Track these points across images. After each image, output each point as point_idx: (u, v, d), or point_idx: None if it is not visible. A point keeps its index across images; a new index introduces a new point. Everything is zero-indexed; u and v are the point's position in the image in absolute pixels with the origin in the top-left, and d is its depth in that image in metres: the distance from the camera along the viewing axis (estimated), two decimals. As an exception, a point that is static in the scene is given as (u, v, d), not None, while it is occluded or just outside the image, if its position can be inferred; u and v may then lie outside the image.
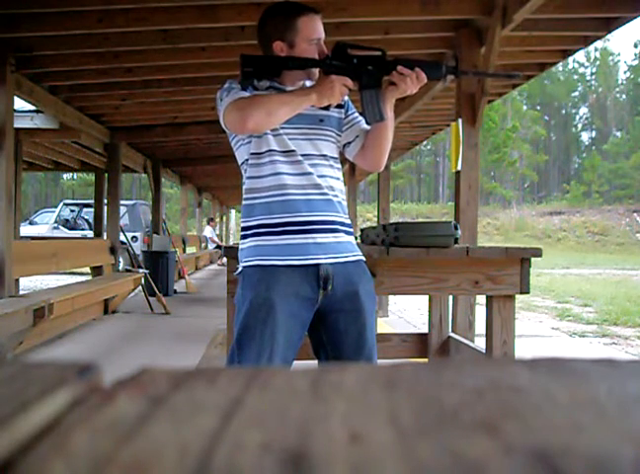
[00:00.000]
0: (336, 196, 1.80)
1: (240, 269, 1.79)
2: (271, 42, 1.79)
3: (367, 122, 1.81)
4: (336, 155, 1.86)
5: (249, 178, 1.79)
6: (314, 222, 1.73)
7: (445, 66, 1.82)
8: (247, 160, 1.80)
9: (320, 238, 1.73)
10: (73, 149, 8.01)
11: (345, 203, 1.85)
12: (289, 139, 1.75)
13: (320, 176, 1.78)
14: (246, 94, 1.73)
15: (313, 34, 1.77)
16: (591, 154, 51.80)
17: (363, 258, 1.85)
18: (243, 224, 1.81)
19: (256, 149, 1.76)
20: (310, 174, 1.76)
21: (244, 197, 1.82)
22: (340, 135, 1.88)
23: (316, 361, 1.87)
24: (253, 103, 1.68)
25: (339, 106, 1.85)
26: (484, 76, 2.12)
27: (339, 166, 1.86)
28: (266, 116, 1.66)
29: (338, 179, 1.84)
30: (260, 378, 0.34)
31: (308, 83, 1.82)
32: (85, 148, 7.66)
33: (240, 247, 1.82)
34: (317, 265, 1.71)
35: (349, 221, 1.85)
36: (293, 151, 1.75)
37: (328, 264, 1.72)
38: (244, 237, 1.80)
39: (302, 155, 1.76)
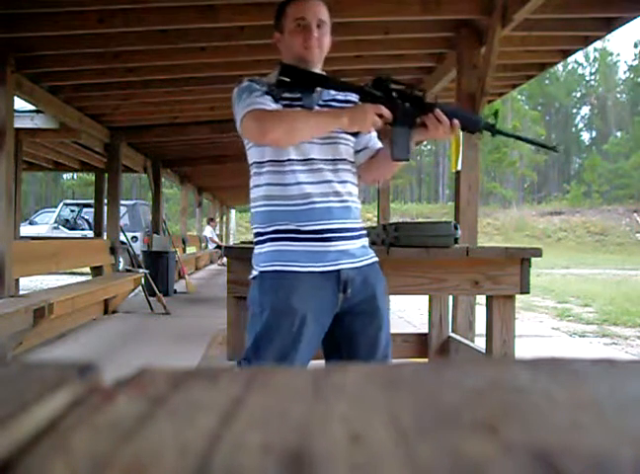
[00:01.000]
0: (354, 202, 1.82)
1: (256, 273, 1.76)
2: (273, 37, 1.82)
3: (393, 158, 1.78)
4: (353, 159, 1.85)
5: (269, 184, 1.75)
6: (335, 230, 1.74)
7: (485, 123, 1.82)
8: (261, 163, 1.76)
9: (341, 245, 1.74)
10: (73, 149, 8.01)
11: (360, 207, 1.87)
12: (309, 143, 1.73)
13: (340, 182, 1.78)
14: (268, 103, 1.69)
15: (297, 13, 1.74)
16: (591, 154, 51.81)
17: (377, 258, 1.86)
18: (259, 229, 1.78)
19: (276, 156, 1.73)
20: (331, 181, 1.76)
21: (260, 202, 1.77)
22: (354, 140, 1.87)
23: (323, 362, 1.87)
24: (275, 117, 1.65)
25: None
26: (521, 140, 2.10)
27: (355, 170, 1.86)
28: (287, 133, 1.65)
29: (355, 183, 1.84)
30: (260, 378, 0.34)
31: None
32: (85, 148, 7.67)
33: (256, 251, 1.78)
34: (338, 270, 1.72)
35: (362, 225, 1.86)
36: (313, 159, 1.74)
37: (348, 268, 1.74)
38: (260, 242, 1.77)
39: (322, 161, 1.75)
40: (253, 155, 1.79)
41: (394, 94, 1.73)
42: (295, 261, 1.70)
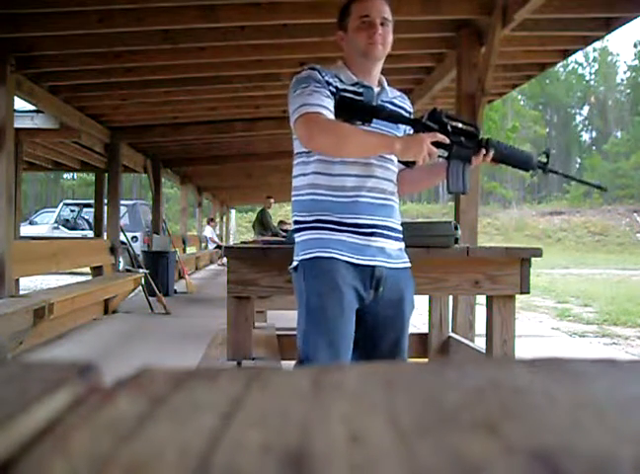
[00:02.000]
0: (396, 201, 1.84)
1: (296, 263, 1.76)
2: (336, 35, 1.82)
3: (449, 191, 1.82)
4: (396, 162, 1.86)
5: (316, 173, 1.74)
6: (378, 226, 1.75)
7: (537, 162, 1.83)
8: (310, 153, 1.75)
9: (379, 242, 1.75)
10: (73, 149, 8.01)
11: (399, 209, 1.88)
12: None
13: (387, 180, 1.79)
14: (325, 103, 1.67)
15: (361, 11, 1.75)
16: (591, 154, 51.80)
17: (410, 264, 1.87)
18: (300, 218, 1.78)
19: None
20: (379, 178, 1.77)
21: (304, 191, 1.77)
22: None
23: None
24: (327, 129, 1.65)
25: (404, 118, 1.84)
26: (571, 179, 2.11)
27: (397, 174, 1.87)
28: (333, 148, 1.66)
29: (396, 185, 1.86)
30: (260, 378, 0.34)
31: (382, 80, 1.83)
32: (85, 148, 7.66)
33: (297, 240, 1.79)
34: (373, 266, 1.73)
35: (400, 227, 1.87)
36: None
37: (383, 267, 1.75)
38: (301, 230, 1.77)
39: (375, 157, 1.76)
40: (302, 145, 1.78)
41: (449, 128, 1.72)
42: (335, 249, 1.70)
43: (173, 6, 3.78)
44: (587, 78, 59.74)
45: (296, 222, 1.80)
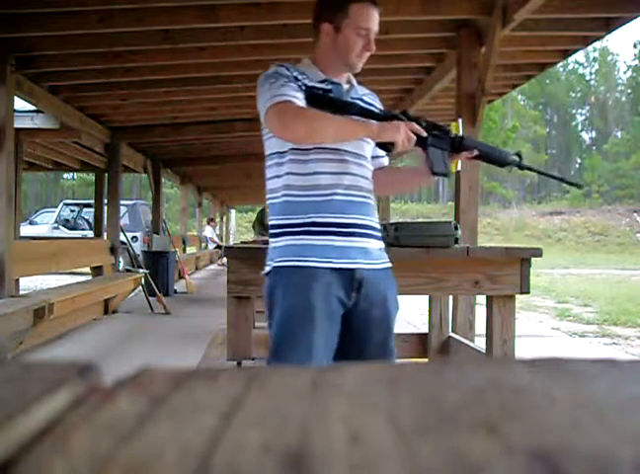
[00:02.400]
0: (373, 200, 1.80)
1: (270, 268, 1.72)
2: (320, 23, 1.74)
3: (434, 172, 1.75)
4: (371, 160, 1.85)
5: (290, 174, 1.70)
6: (356, 226, 1.71)
7: (512, 159, 1.85)
8: (283, 153, 1.71)
9: (359, 242, 1.71)
10: (73, 149, 8.01)
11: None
12: None
13: (363, 177, 1.76)
14: (294, 95, 1.63)
15: (363, 22, 1.69)
16: (591, 154, 51.80)
17: (390, 264, 1.84)
18: (276, 222, 1.73)
19: (300, 145, 1.68)
20: (355, 175, 1.73)
21: (279, 193, 1.72)
22: (373, 144, 1.84)
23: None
24: (299, 115, 1.61)
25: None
26: (546, 176, 2.14)
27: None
28: (308, 132, 1.61)
29: (372, 183, 1.83)
30: (260, 378, 0.34)
31: (351, 78, 1.80)
32: (85, 148, 7.66)
33: (272, 245, 1.74)
34: (353, 269, 1.69)
35: (379, 226, 1.85)
36: (340, 150, 1.70)
37: (364, 269, 1.71)
38: (276, 235, 1.73)
39: (350, 153, 1.72)
40: (274, 145, 1.74)
41: (423, 123, 1.71)
42: (313, 255, 1.66)
43: (173, 6, 3.78)
44: (587, 78, 59.74)
45: (272, 227, 1.75)
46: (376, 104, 1.87)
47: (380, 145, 1.72)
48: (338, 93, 1.74)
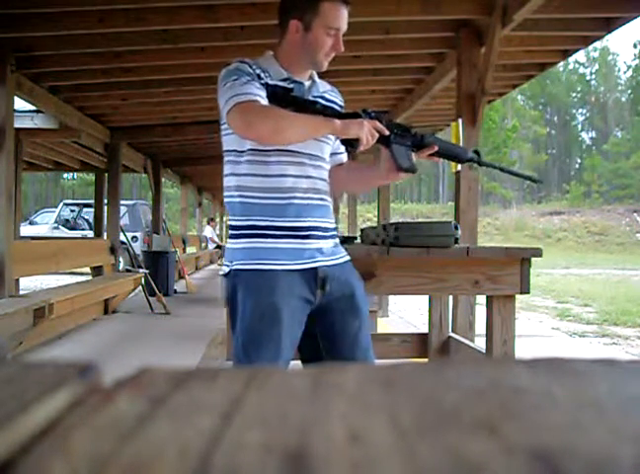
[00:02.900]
0: (329, 201, 1.81)
1: (228, 270, 1.71)
2: (288, 19, 1.71)
3: (400, 168, 1.73)
4: (329, 159, 1.85)
5: (248, 175, 1.69)
6: (314, 228, 1.72)
7: (471, 156, 1.89)
8: (241, 152, 1.70)
9: (317, 243, 1.72)
10: (73, 149, 8.01)
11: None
12: None
13: (320, 179, 1.76)
14: (256, 92, 1.61)
15: (333, 22, 1.67)
16: (591, 154, 51.80)
17: (349, 257, 1.85)
18: (235, 222, 1.72)
19: (260, 145, 1.66)
20: (313, 177, 1.73)
21: (234, 193, 1.71)
22: (333, 141, 1.84)
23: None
24: (262, 114, 1.58)
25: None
26: (505, 172, 2.17)
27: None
28: (272, 133, 1.59)
29: (329, 184, 1.83)
30: (260, 378, 0.34)
31: (313, 74, 1.79)
32: (85, 148, 7.66)
33: (231, 246, 1.73)
34: (315, 268, 1.71)
35: (334, 225, 1.86)
36: (297, 152, 1.70)
37: (325, 265, 1.72)
38: (236, 237, 1.71)
39: (306, 155, 1.72)
40: (232, 142, 1.71)
41: (384, 122, 1.71)
42: (273, 258, 1.66)
43: (173, 6, 3.78)
44: (587, 78, 59.74)
45: (231, 227, 1.74)
46: (338, 100, 1.87)
47: (344, 142, 1.72)
48: (299, 92, 1.73)
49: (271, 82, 1.69)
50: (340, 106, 1.86)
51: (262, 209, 1.68)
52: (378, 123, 1.67)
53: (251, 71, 1.65)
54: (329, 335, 1.77)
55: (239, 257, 1.69)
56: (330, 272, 1.73)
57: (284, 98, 1.66)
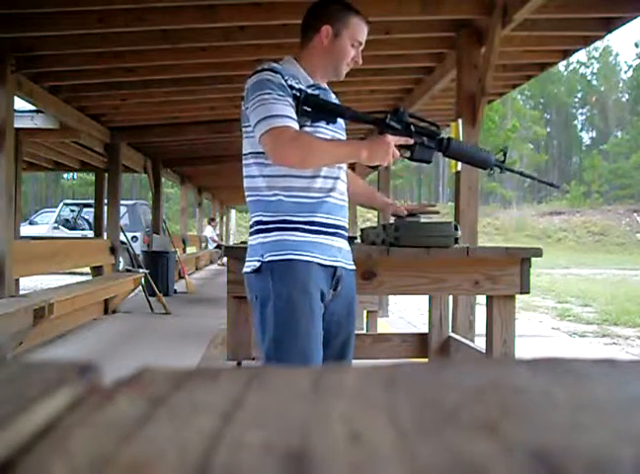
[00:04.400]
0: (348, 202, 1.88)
1: (260, 264, 1.71)
2: (319, 24, 1.79)
3: (422, 162, 1.86)
4: None
5: (283, 176, 1.71)
6: (339, 227, 1.79)
7: (495, 161, 1.92)
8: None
9: (339, 242, 1.79)
10: (73, 149, 8.01)
11: None
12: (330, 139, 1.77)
13: (344, 181, 1.84)
14: (290, 114, 1.65)
15: (358, 35, 1.80)
16: (591, 154, 51.80)
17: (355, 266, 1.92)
18: (266, 218, 1.74)
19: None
20: (339, 178, 1.80)
21: (272, 192, 1.73)
22: None
23: None
24: (294, 144, 1.64)
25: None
26: (525, 177, 2.19)
27: None
28: (300, 162, 1.67)
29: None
30: (260, 378, 0.34)
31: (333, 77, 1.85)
32: (85, 148, 7.66)
33: (259, 241, 1.74)
34: (336, 267, 1.76)
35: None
36: None
37: (343, 267, 1.79)
38: (266, 231, 1.73)
39: None
40: (259, 146, 1.73)
41: (412, 128, 1.77)
42: (306, 251, 1.70)
43: (173, 6, 3.78)
44: (588, 78, 59.73)
45: (260, 222, 1.75)
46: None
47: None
48: (326, 98, 1.80)
49: (298, 87, 1.73)
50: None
51: (297, 206, 1.72)
52: (402, 138, 1.74)
53: (283, 83, 1.69)
54: (323, 336, 1.78)
55: (270, 249, 1.71)
56: (344, 274, 1.80)
57: (317, 102, 1.72)
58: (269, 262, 1.70)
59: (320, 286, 1.72)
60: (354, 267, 1.88)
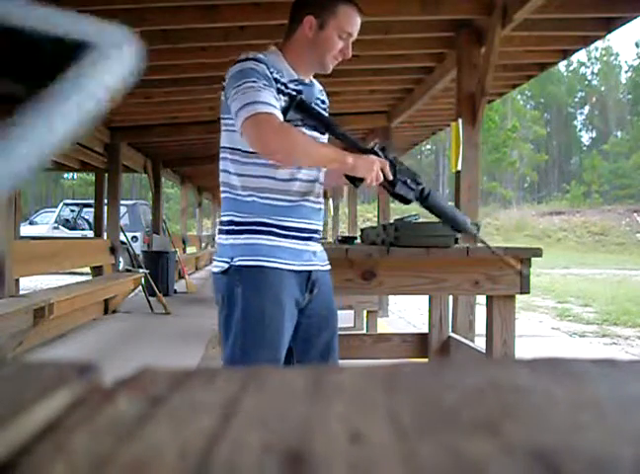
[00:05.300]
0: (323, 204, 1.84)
1: (227, 266, 1.66)
2: (303, 14, 1.69)
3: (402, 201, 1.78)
4: None
5: (260, 177, 1.66)
6: (312, 231, 1.75)
7: (470, 227, 1.84)
8: (248, 153, 1.66)
9: (314, 246, 1.76)
10: (73, 149, 8.00)
11: None
12: None
13: (321, 183, 1.79)
14: (273, 102, 1.57)
15: (347, 26, 1.68)
16: (591, 154, 51.79)
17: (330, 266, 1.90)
18: (238, 219, 1.68)
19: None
20: (316, 181, 1.75)
21: (247, 193, 1.67)
22: None
23: None
24: (280, 134, 1.56)
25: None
26: (494, 253, 2.08)
27: None
28: (285, 156, 1.60)
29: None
30: (259, 378, 0.34)
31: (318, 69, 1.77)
32: (85, 148, 7.66)
33: (229, 242, 1.68)
34: (310, 271, 1.73)
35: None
36: None
37: (318, 270, 1.77)
38: (237, 232, 1.67)
39: None
40: (237, 142, 1.66)
41: (397, 166, 1.71)
42: (277, 256, 1.66)
43: (173, 6, 3.78)
44: (588, 78, 59.73)
45: (231, 222, 1.69)
46: (326, 99, 1.87)
47: (348, 176, 1.70)
48: (309, 94, 1.74)
49: (282, 81, 1.66)
50: (326, 104, 1.88)
51: (271, 209, 1.67)
52: (388, 168, 1.66)
53: (268, 74, 1.61)
54: (304, 337, 1.78)
55: (241, 253, 1.65)
56: (320, 276, 1.77)
57: (309, 114, 1.66)
58: (238, 266, 1.64)
59: (294, 294, 1.68)
60: (329, 266, 1.85)
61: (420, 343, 3.58)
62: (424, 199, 1.75)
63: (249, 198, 1.67)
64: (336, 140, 1.72)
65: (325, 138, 1.78)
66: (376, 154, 1.67)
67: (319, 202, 1.78)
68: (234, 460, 0.23)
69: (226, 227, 1.71)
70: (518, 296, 2.45)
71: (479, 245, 1.87)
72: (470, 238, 1.86)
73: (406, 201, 1.75)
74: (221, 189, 1.75)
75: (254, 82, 1.57)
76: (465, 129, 3.99)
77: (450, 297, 3.67)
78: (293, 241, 1.69)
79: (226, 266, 1.67)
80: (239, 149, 1.68)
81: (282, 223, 1.67)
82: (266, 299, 1.64)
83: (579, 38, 4.59)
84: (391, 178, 1.68)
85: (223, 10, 3.85)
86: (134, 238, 11.23)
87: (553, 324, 6.63)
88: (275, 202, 1.67)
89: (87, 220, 13.21)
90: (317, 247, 1.78)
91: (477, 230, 1.86)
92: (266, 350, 1.63)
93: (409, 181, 1.73)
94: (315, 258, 1.76)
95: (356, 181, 1.67)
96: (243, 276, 1.64)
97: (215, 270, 1.72)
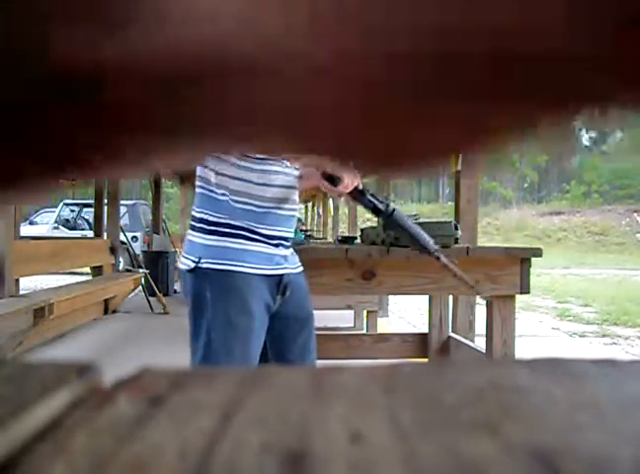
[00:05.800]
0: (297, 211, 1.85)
1: (193, 265, 1.64)
2: None
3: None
4: None
5: (235, 178, 1.66)
6: (283, 238, 1.75)
7: (434, 249, 1.87)
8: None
9: (283, 251, 1.75)
10: (73, 149, 8.00)
11: None
12: None
13: (295, 189, 1.78)
14: None
15: None
16: (591, 154, 51.77)
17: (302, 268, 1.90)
18: (210, 217, 1.67)
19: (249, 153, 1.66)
20: (292, 188, 1.75)
21: (221, 191, 1.67)
22: None
23: None
24: None
25: None
26: (463, 281, 2.05)
27: None
28: None
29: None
30: (260, 378, 0.34)
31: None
32: (85, 148, 7.65)
33: (198, 241, 1.68)
34: (282, 274, 1.73)
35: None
36: (282, 163, 1.72)
37: (290, 273, 1.76)
38: (207, 232, 1.67)
39: (291, 169, 1.74)
40: None
41: (368, 193, 1.76)
42: (245, 261, 1.65)
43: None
44: (587, 78, 59.65)
45: (203, 221, 1.69)
46: None
47: (328, 177, 1.72)
48: None
49: None
50: None
51: (243, 213, 1.67)
52: (359, 178, 1.72)
53: None
54: (279, 340, 1.78)
55: (209, 254, 1.65)
56: (293, 279, 1.76)
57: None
58: (206, 269, 1.63)
59: (264, 298, 1.68)
60: (301, 268, 1.84)
61: (420, 343, 3.58)
62: (387, 216, 1.78)
63: (222, 197, 1.68)
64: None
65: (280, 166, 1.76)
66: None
67: (293, 210, 1.78)
68: (234, 460, 0.23)
69: (198, 224, 1.71)
70: (518, 296, 2.45)
71: (444, 262, 1.88)
72: (433, 257, 1.86)
73: (376, 211, 1.76)
74: (197, 183, 1.76)
75: None
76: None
77: (450, 297, 3.67)
78: (261, 245, 1.69)
79: (193, 265, 1.65)
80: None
81: (253, 228, 1.67)
82: (234, 309, 1.62)
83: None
84: (361, 186, 1.73)
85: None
86: (134, 238, 11.22)
87: (553, 324, 6.63)
88: (247, 207, 1.67)
89: (87, 220, 13.21)
90: (287, 252, 1.77)
91: (438, 259, 1.86)
92: (235, 359, 1.62)
93: (377, 196, 1.78)
94: (286, 261, 1.75)
95: (335, 179, 1.70)
96: (212, 281, 1.63)
97: (183, 267, 1.70)
